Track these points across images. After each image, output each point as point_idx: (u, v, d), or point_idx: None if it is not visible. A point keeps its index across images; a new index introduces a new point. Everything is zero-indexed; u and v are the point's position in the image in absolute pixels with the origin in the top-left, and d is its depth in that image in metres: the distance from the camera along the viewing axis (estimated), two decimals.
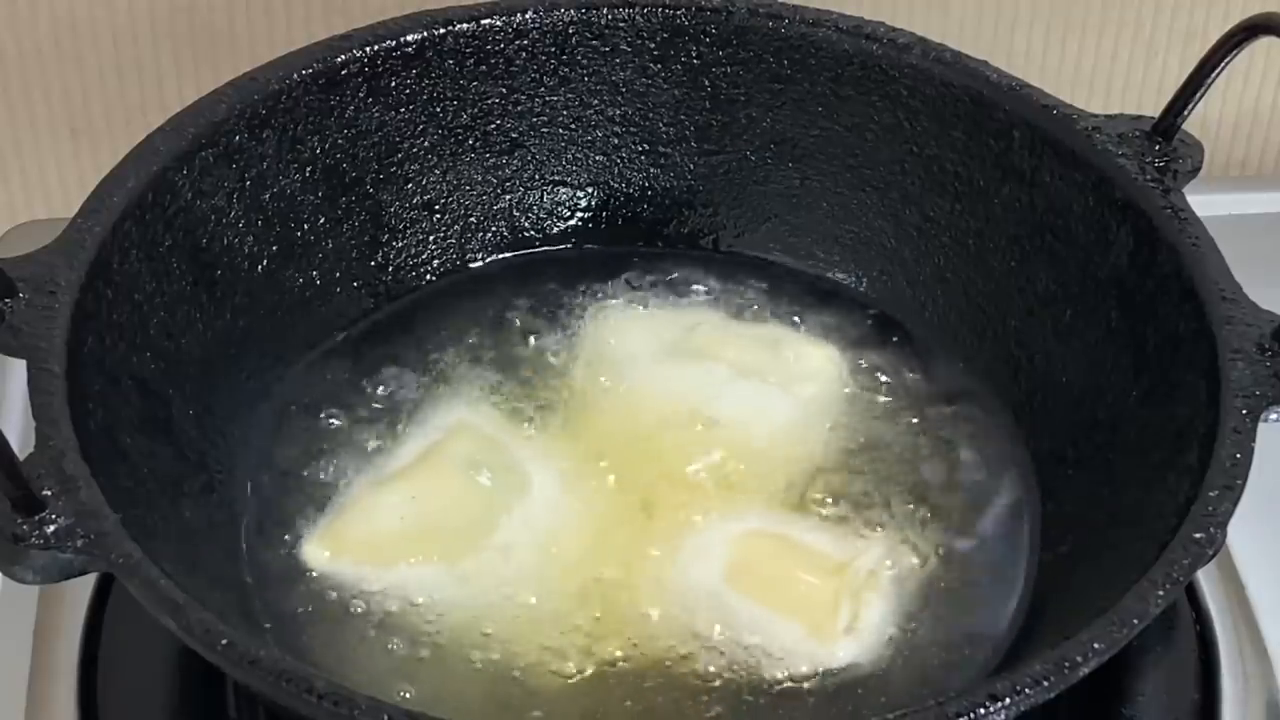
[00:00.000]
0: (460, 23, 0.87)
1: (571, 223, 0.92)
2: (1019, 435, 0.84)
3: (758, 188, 0.91)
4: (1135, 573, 0.67)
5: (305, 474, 0.80)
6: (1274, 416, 0.72)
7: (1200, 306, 0.75)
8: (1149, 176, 0.81)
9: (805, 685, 0.74)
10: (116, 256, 0.75)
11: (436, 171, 0.89)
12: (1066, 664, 0.64)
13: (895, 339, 0.88)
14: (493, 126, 0.90)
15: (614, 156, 0.91)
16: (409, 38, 0.86)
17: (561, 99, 0.90)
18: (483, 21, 0.87)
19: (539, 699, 0.73)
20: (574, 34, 0.89)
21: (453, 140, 0.89)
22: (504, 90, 0.89)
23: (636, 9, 0.88)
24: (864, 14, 0.88)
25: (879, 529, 0.80)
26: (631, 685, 0.73)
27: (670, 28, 0.89)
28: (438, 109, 0.88)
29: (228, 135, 0.81)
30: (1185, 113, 0.82)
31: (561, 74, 0.89)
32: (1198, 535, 0.68)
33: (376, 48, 0.86)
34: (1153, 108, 0.84)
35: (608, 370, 0.86)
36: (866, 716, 0.73)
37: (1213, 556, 0.68)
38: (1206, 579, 0.83)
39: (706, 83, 0.90)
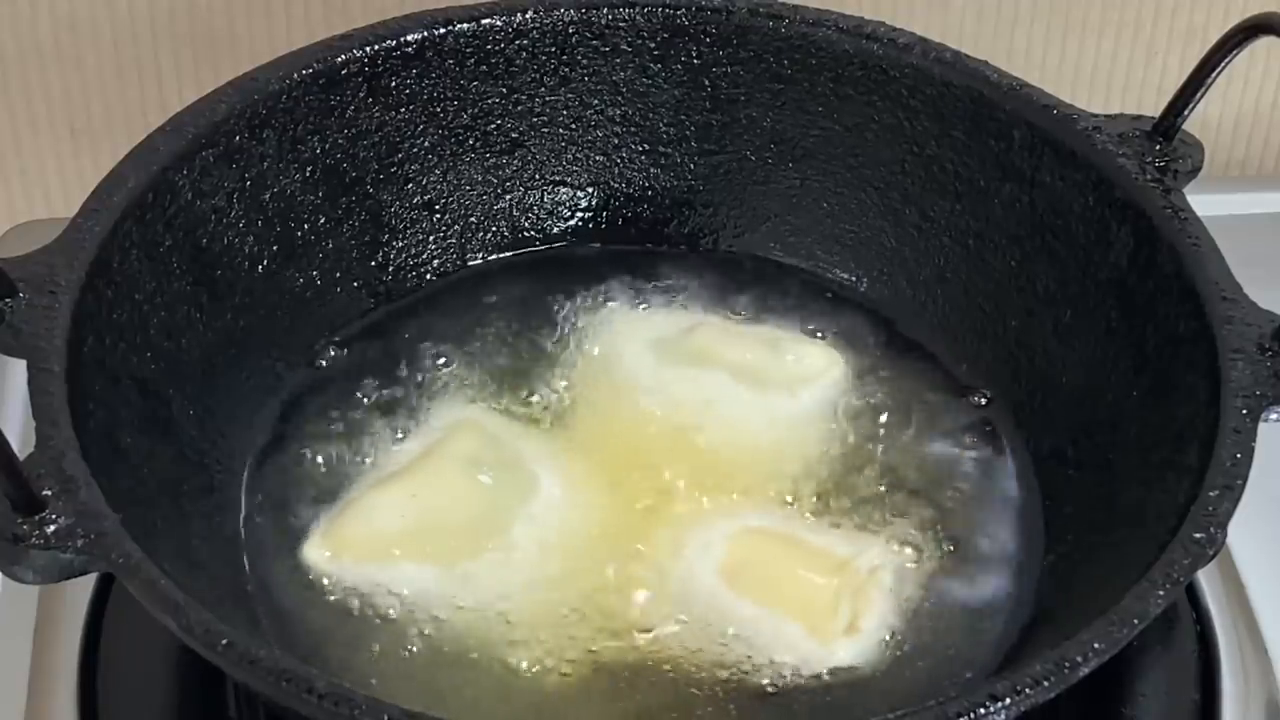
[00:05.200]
0: (460, 23, 0.87)
1: (571, 223, 0.92)
2: (1019, 435, 0.84)
3: (758, 188, 0.91)
4: (1135, 573, 0.67)
5: (305, 474, 0.80)
6: (1274, 416, 0.72)
7: (1200, 306, 0.75)
8: (1149, 176, 0.81)
9: (805, 685, 0.74)
10: (116, 256, 0.75)
11: (436, 171, 0.89)
12: (1066, 664, 0.64)
13: (895, 339, 0.88)
14: (493, 126, 0.90)
15: (614, 156, 0.91)
16: (409, 38, 0.86)
17: (561, 99, 0.90)
18: (483, 21, 0.87)
19: (539, 698, 0.73)
20: (574, 34, 0.89)
21: (453, 140, 0.89)
22: (504, 90, 0.89)
23: (636, 9, 0.89)
24: (864, 14, 0.88)
25: (879, 528, 0.80)
26: (631, 685, 0.73)
27: (670, 28, 0.89)
28: (438, 109, 0.88)
29: (228, 135, 0.81)
30: (1185, 113, 0.82)
31: (561, 74, 0.89)
32: (1198, 535, 0.68)
33: (376, 48, 0.86)
34: (1153, 108, 0.84)
35: (607, 370, 0.86)
36: (866, 716, 0.73)
37: (1213, 557, 0.68)
38: (1206, 579, 0.83)
39: (706, 83, 0.90)
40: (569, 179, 0.92)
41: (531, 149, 0.91)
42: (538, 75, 0.89)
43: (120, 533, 0.64)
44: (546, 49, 0.89)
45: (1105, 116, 0.83)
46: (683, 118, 0.91)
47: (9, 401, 0.89)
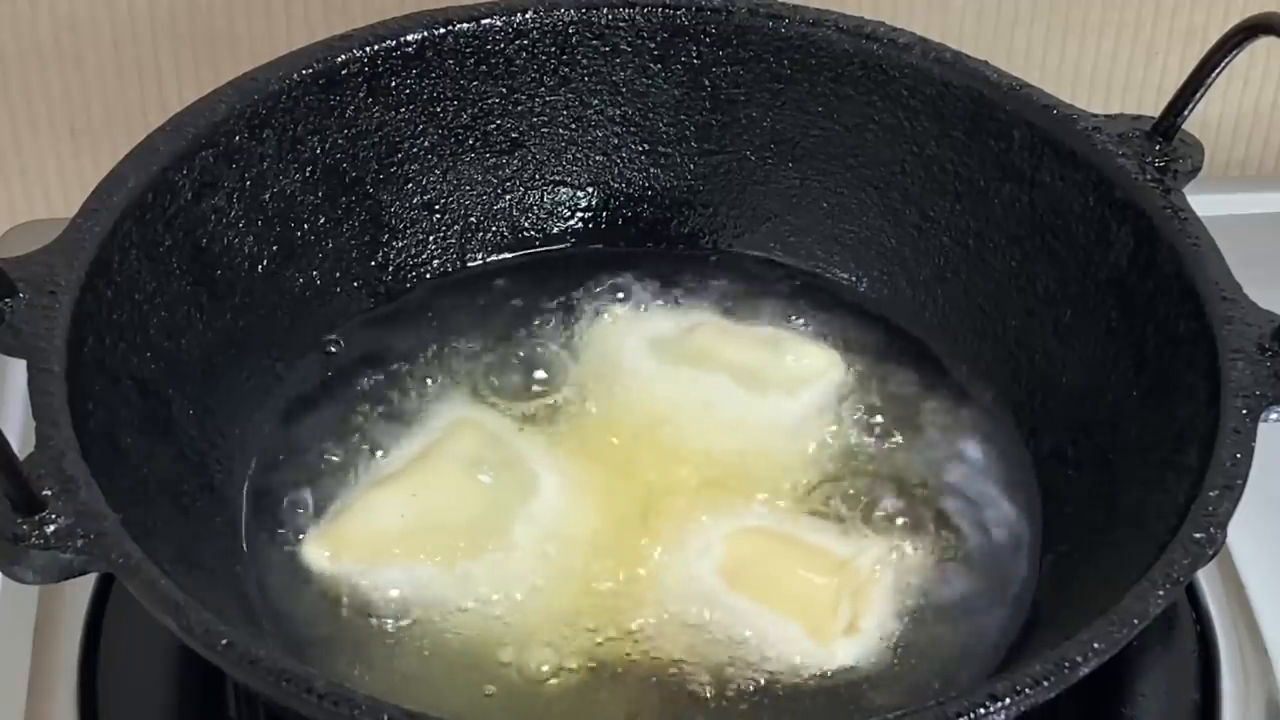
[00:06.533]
0: (460, 23, 0.87)
1: (571, 223, 0.92)
2: (1019, 435, 0.84)
3: (758, 188, 0.91)
4: (1135, 573, 0.67)
5: (305, 474, 0.80)
6: (1274, 416, 0.72)
7: (1200, 306, 0.75)
8: (1149, 176, 0.81)
9: (805, 685, 0.74)
10: (116, 256, 0.75)
11: (436, 171, 0.89)
12: (1066, 664, 0.64)
13: (895, 339, 0.88)
14: (493, 126, 0.90)
15: (614, 156, 0.91)
16: (409, 38, 0.86)
17: (561, 99, 0.90)
18: (483, 21, 0.87)
19: (538, 698, 0.73)
20: (574, 34, 0.89)
21: (453, 140, 0.89)
22: (504, 90, 0.89)
23: (636, 9, 0.89)
24: (864, 14, 0.88)
25: (879, 528, 0.80)
26: (631, 685, 0.73)
27: (670, 28, 0.89)
28: (438, 109, 0.88)
29: (228, 135, 0.81)
30: (1185, 113, 0.82)
31: (561, 74, 0.89)
32: (1198, 535, 0.68)
33: (376, 48, 0.86)
34: (1153, 108, 0.84)
35: (607, 370, 0.86)
36: (866, 716, 0.73)
37: (1213, 557, 0.68)
38: (1206, 579, 0.83)
39: (706, 83, 0.90)
40: (569, 179, 0.92)
41: (531, 149, 0.91)
42: (538, 75, 0.89)
43: (120, 533, 0.65)
44: (546, 49, 0.89)
45: (1105, 116, 0.83)
46: (683, 118, 0.91)
47: (9, 401, 0.89)
